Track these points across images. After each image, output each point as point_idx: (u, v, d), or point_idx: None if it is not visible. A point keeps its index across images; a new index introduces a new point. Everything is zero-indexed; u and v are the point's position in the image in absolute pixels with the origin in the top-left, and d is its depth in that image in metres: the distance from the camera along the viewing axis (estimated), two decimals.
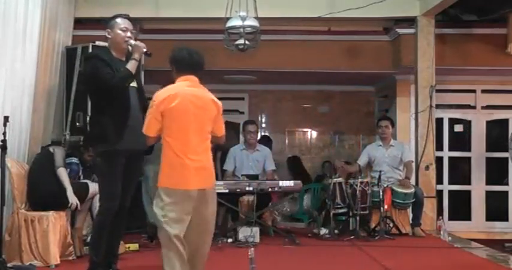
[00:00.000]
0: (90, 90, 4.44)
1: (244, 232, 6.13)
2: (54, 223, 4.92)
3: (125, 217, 4.39)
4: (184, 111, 3.61)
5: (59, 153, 5.22)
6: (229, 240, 6.15)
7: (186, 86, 3.68)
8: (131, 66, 4.18)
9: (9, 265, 4.62)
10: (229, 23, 6.35)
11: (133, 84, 4.31)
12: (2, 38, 5.41)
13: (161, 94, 3.65)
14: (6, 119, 4.65)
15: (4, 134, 4.60)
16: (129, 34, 4.28)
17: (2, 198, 4.66)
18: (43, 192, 5.07)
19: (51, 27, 6.39)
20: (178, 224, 3.54)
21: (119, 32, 4.27)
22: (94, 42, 6.55)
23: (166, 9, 7.60)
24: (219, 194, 6.35)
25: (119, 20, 4.33)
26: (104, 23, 4.47)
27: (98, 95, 4.26)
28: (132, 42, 4.28)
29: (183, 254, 3.52)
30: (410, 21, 7.84)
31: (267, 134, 10.19)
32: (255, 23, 6.32)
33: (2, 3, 5.41)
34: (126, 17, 4.37)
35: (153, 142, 3.82)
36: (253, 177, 6.65)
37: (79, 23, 7.31)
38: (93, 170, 5.27)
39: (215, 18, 6.79)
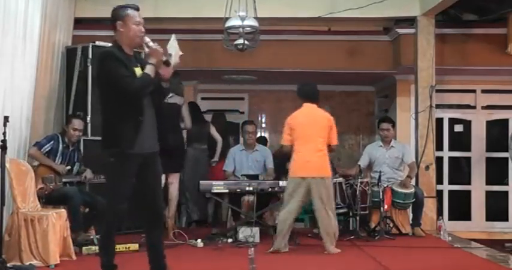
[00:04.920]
0: (104, 92, 3.92)
1: (244, 232, 6.12)
2: (54, 223, 4.92)
3: (162, 226, 4.03)
4: (302, 127, 5.59)
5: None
6: (229, 240, 6.15)
7: (305, 110, 5.73)
8: (151, 71, 3.72)
9: (9, 265, 4.61)
10: (229, 23, 6.36)
11: None
12: (2, 38, 5.40)
13: (290, 116, 5.75)
14: (6, 119, 4.65)
15: (4, 134, 4.59)
16: (143, 29, 3.84)
17: (2, 198, 4.65)
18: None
19: (51, 27, 6.39)
20: (292, 197, 5.52)
21: (133, 26, 3.82)
22: (94, 42, 6.57)
23: (165, 9, 7.57)
24: (219, 193, 6.41)
25: (130, 11, 3.86)
26: (114, 16, 3.92)
27: (112, 98, 3.83)
28: (151, 43, 3.83)
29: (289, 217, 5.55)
30: (410, 21, 7.84)
31: (264, 135, 10.15)
32: (254, 23, 6.33)
33: (2, 3, 5.40)
34: (137, 8, 3.89)
35: (290, 150, 5.62)
36: (253, 177, 6.67)
37: (79, 23, 7.31)
38: (103, 170, 5.00)
39: (214, 18, 6.79)
